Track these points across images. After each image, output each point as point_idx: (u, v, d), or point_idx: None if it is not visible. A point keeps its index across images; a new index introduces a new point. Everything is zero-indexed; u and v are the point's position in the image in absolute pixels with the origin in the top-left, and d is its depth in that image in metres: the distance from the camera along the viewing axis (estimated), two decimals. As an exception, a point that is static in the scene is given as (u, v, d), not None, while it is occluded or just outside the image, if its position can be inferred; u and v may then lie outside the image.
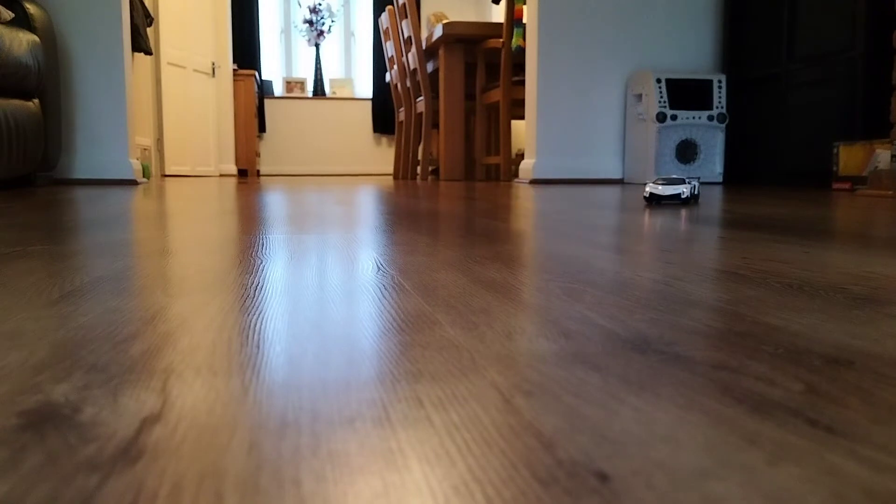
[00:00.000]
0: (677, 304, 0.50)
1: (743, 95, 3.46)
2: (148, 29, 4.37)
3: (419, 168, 4.70)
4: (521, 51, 3.77)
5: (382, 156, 7.35)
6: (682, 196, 1.69)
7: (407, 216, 1.35)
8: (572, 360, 0.36)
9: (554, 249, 0.82)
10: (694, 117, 3.36)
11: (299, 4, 7.16)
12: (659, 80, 3.33)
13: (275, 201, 1.90)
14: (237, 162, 6.12)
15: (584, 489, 0.21)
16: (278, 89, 7.20)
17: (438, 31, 4.04)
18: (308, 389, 0.31)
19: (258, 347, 0.38)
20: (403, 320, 0.45)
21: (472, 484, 0.22)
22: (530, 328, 0.43)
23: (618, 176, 3.63)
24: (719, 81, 3.39)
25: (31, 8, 2.88)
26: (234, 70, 6.07)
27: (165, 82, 4.83)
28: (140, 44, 3.96)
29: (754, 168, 3.40)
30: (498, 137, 4.26)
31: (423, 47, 4.44)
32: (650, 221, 1.22)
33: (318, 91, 7.17)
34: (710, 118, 3.37)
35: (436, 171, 5.41)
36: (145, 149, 4.60)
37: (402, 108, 5.24)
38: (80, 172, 3.26)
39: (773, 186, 3.04)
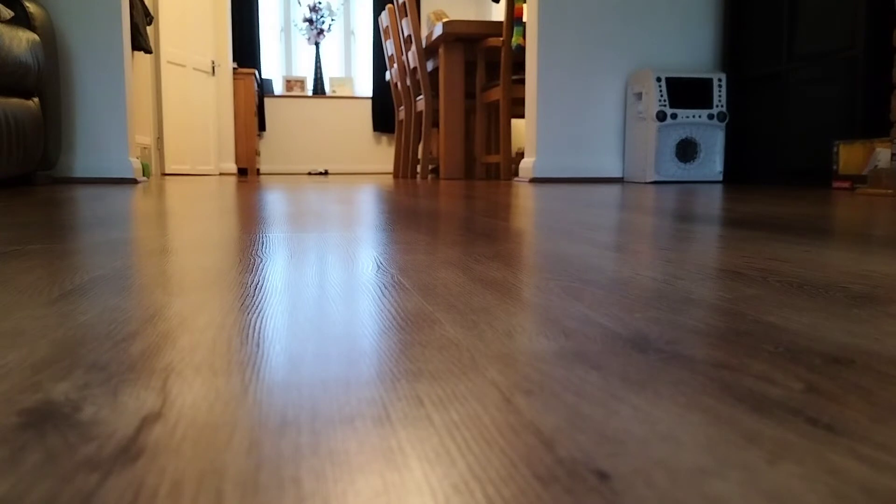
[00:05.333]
0: (677, 302, 0.50)
1: (743, 94, 3.46)
2: (148, 27, 4.37)
3: (419, 167, 4.70)
4: (521, 49, 3.77)
5: (382, 154, 7.35)
6: None
7: (407, 215, 1.35)
8: (572, 359, 0.36)
9: (554, 248, 0.82)
10: (694, 116, 3.35)
11: (299, 3, 7.16)
12: (659, 79, 3.33)
13: (275, 200, 1.90)
14: (237, 161, 6.12)
15: (583, 488, 0.21)
16: (278, 88, 7.20)
17: (438, 30, 4.03)
18: (308, 388, 0.31)
19: (258, 346, 0.38)
20: (403, 319, 0.45)
21: (472, 482, 0.22)
22: (530, 327, 0.43)
23: (618, 175, 3.63)
24: (719, 80, 3.39)
25: (31, 6, 2.88)
26: (234, 69, 6.07)
27: (165, 81, 4.83)
28: (140, 42, 3.95)
29: (754, 167, 3.40)
30: (498, 136, 4.26)
31: (423, 46, 4.44)
32: (650, 220, 1.22)
33: (318, 90, 7.17)
34: (710, 117, 3.37)
35: (436, 170, 5.41)
36: (145, 147, 4.60)
37: (401, 107, 5.24)
38: (80, 171, 3.26)
39: (772, 185, 3.04)
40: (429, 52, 4.60)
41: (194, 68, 5.25)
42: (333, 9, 7.16)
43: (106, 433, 0.26)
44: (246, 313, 0.47)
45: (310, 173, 4.27)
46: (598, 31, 3.52)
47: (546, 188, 2.70)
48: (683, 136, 3.38)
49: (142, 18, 3.98)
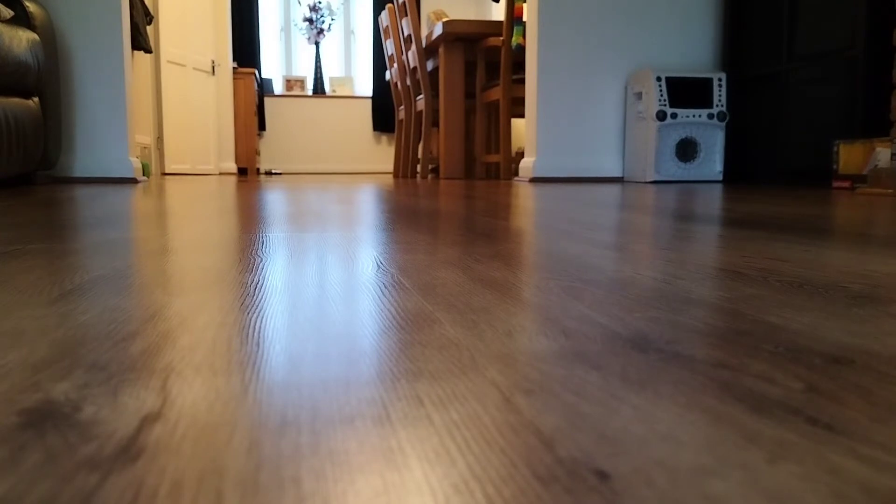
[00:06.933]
0: (677, 302, 0.50)
1: (743, 94, 3.46)
2: (148, 27, 4.37)
3: (419, 166, 4.70)
4: (521, 49, 3.76)
5: (382, 154, 7.35)
6: None
7: (407, 215, 1.35)
8: (572, 359, 0.36)
9: (554, 248, 0.82)
10: (694, 115, 3.35)
11: (299, 3, 7.15)
12: (659, 79, 3.33)
13: (275, 200, 1.90)
14: (237, 160, 6.11)
15: (583, 487, 0.21)
16: (278, 87, 7.20)
17: (438, 30, 4.03)
18: (308, 388, 0.31)
19: (258, 346, 0.38)
20: (403, 319, 0.45)
21: (472, 482, 0.22)
22: (530, 327, 0.43)
23: (618, 174, 3.63)
24: (719, 80, 3.39)
25: (31, 6, 2.88)
26: (234, 68, 6.07)
27: (165, 80, 4.83)
28: (140, 42, 3.95)
29: (754, 166, 3.40)
30: (498, 136, 4.26)
31: (423, 45, 4.44)
32: (650, 220, 1.22)
33: (318, 89, 7.16)
34: (710, 116, 3.37)
35: (436, 170, 5.41)
36: (145, 147, 4.60)
37: (401, 107, 5.24)
38: (80, 171, 3.26)
39: (772, 185, 3.04)
40: (429, 51, 4.60)
41: (194, 68, 5.25)
42: (333, 8, 7.15)
43: (106, 433, 0.26)
44: (246, 313, 0.47)
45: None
46: (598, 31, 3.52)
47: (546, 188, 2.70)
48: (683, 136, 3.38)
49: (142, 18, 3.98)
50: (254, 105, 6.18)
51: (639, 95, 3.43)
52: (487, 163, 4.49)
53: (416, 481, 0.22)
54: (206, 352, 0.37)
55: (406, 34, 4.61)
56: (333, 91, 7.24)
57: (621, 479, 0.22)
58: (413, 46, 4.44)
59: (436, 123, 4.74)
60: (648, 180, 3.38)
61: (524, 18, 3.64)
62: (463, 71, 4.19)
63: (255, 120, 6.23)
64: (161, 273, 0.63)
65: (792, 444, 0.25)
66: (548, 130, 3.53)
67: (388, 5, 5.09)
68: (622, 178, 3.63)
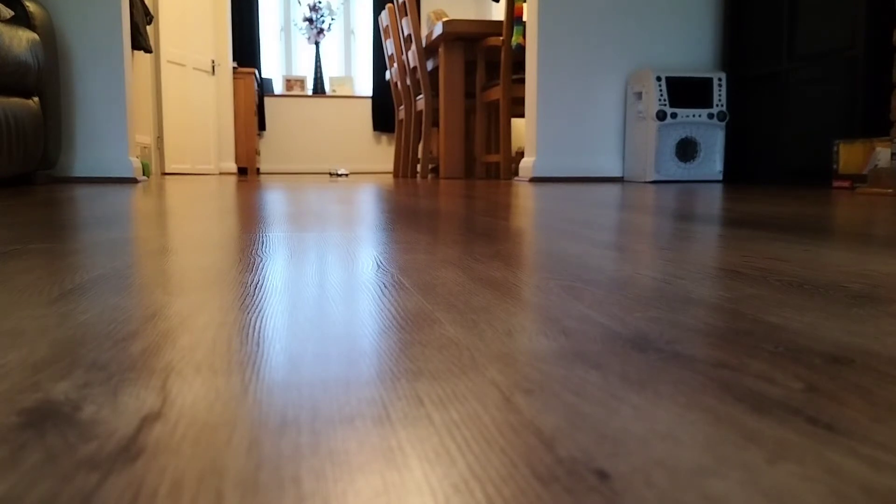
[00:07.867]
0: (677, 302, 0.50)
1: (743, 93, 3.46)
2: (148, 27, 4.37)
3: (419, 166, 4.70)
4: (521, 49, 3.77)
5: (382, 154, 7.35)
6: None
7: (407, 214, 1.35)
8: (572, 359, 0.36)
9: (554, 248, 0.82)
10: (694, 115, 3.35)
11: (299, 2, 7.15)
12: (659, 79, 3.33)
13: (274, 199, 1.90)
14: (237, 160, 6.11)
15: (583, 487, 0.21)
16: (278, 87, 7.20)
17: (438, 29, 4.03)
18: (308, 388, 0.31)
19: (258, 346, 0.38)
20: (403, 318, 0.45)
21: (472, 482, 0.22)
22: (530, 326, 0.43)
23: (618, 174, 3.63)
24: (719, 79, 3.39)
25: (31, 6, 2.88)
26: (234, 68, 6.07)
27: (165, 80, 4.83)
28: (140, 42, 3.95)
29: (754, 166, 3.40)
30: (498, 135, 4.26)
31: (423, 45, 4.44)
32: (650, 220, 1.22)
33: (318, 89, 7.16)
34: (711, 116, 3.37)
35: (436, 170, 5.41)
36: (145, 147, 4.60)
37: (401, 107, 5.24)
38: (80, 170, 3.26)
39: (773, 184, 3.04)
40: (429, 51, 4.60)
41: (194, 68, 5.25)
42: (333, 8, 7.15)
43: (106, 433, 0.26)
44: (246, 313, 0.47)
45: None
46: (598, 31, 3.52)
47: (546, 188, 2.70)
48: (683, 136, 3.38)
49: (142, 18, 3.98)
50: (254, 105, 6.18)
51: (639, 95, 3.43)
52: (487, 163, 4.49)
53: (416, 481, 0.22)
54: (206, 351, 0.37)
55: (406, 34, 4.61)
56: (333, 91, 7.24)
57: (621, 478, 0.22)
58: (413, 46, 4.44)
59: (436, 123, 4.74)
60: (648, 180, 3.38)
61: (524, 18, 3.64)
62: (463, 71, 4.19)
63: (255, 120, 6.23)
64: (161, 273, 0.63)
65: (792, 444, 0.25)
66: (548, 130, 3.53)
67: (388, 5, 5.09)
68: (622, 177, 3.63)
